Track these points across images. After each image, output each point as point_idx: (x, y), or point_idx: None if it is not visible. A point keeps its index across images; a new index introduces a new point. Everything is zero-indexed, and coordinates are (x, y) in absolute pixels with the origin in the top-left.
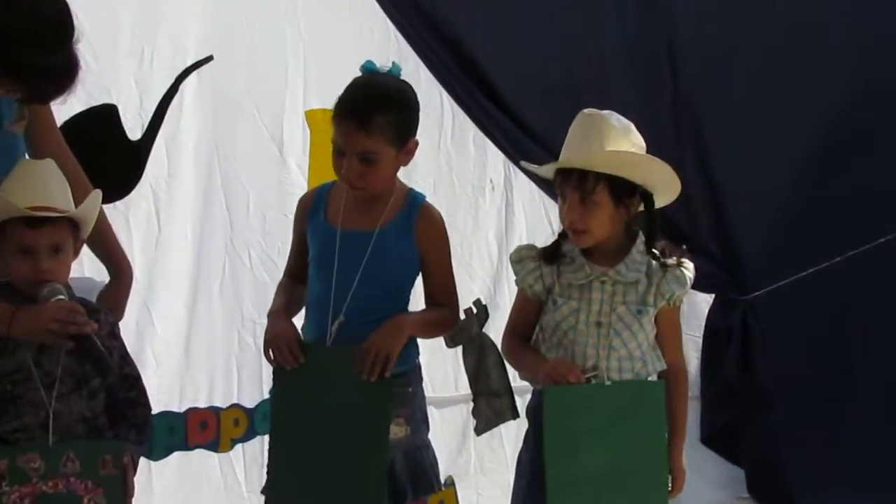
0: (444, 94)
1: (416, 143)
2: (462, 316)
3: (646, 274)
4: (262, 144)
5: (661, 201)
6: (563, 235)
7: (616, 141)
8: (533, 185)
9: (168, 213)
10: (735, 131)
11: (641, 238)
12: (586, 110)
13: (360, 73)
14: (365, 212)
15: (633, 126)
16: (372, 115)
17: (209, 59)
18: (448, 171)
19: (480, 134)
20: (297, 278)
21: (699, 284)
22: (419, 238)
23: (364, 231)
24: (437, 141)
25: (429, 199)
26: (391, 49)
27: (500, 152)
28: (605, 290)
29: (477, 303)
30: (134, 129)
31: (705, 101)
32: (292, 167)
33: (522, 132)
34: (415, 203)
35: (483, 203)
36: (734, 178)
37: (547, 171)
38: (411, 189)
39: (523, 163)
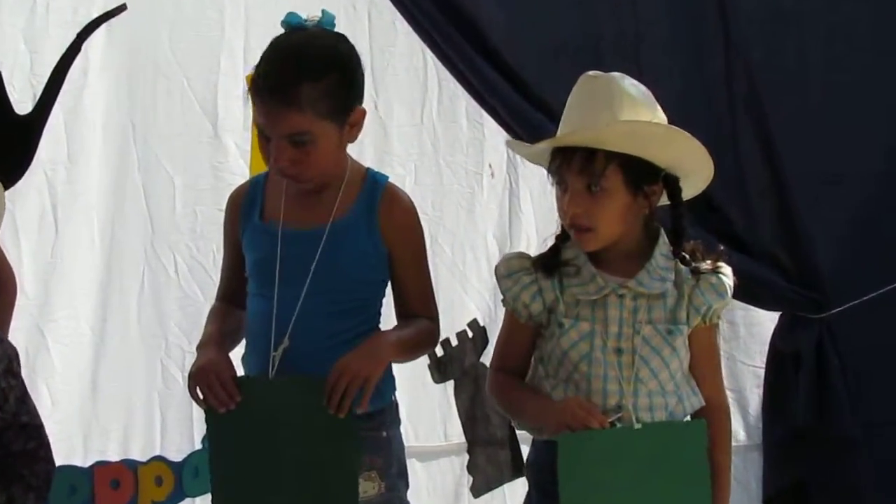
0: (428, 52)
1: (363, 112)
2: (454, 341)
3: (674, 283)
4: (192, 119)
5: (689, 189)
6: (563, 237)
7: (631, 110)
8: (544, 170)
9: (68, 209)
10: (807, 106)
11: (664, 237)
12: (590, 72)
13: (285, 31)
14: (311, 204)
15: (650, 94)
16: (297, 84)
17: (121, 8)
18: (434, 154)
19: (475, 105)
20: (234, 300)
21: (761, 300)
22: (384, 230)
23: (311, 229)
24: (419, 114)
25: (409, 189)
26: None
27: (500, 129)
28: (625, 307)
29: (473, 324)
30: (22, 101)
31: (766, 67)
32: (230, 148)
33: (528, 103)
34: (375, 186)
35: (480, 194)
36: (805, 165)
37: (540, 151)
38: (369, 169)
39: (509, 140)
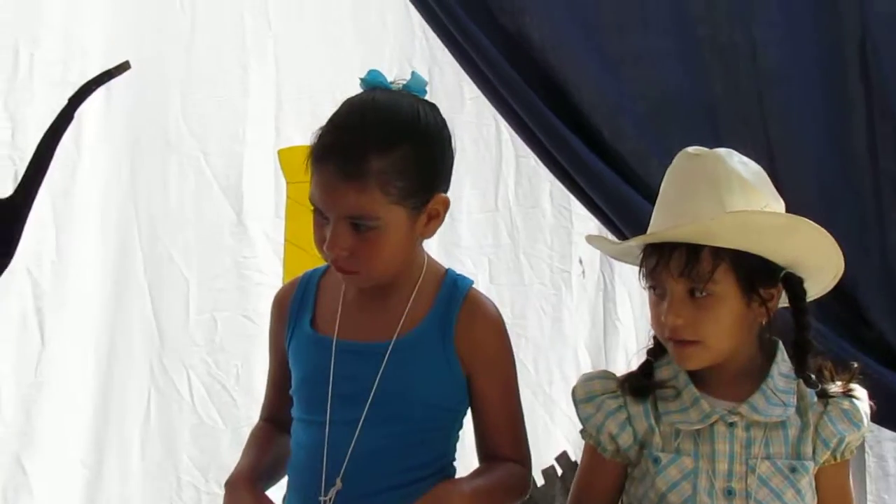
0: (503, 123)
1: (446, 202)
2: (539, 480)
3: (797, 409)
4: (210, 204)
5: (815, 288)
6: (657, 351)
7: (742, 196)
8: None
9: (56, 316)
10: None
11: (783, 352)
12: (690, 149)
13: (360, 90)
14: (375, 311)
15: (764, 175)
16: (365, 156)
17: (124, 67)
18: (511, 247)
19: (561, 187)
20: (281, 423)
21: None
22: (462, 348)
23: (373, 342)
24: (492, 198)
25: (479, 288)
26: (416, 51)
27: (591, 216)
28: (736, 438)
29: (562, 459)
30: (1, 181)
31: None
32: (258, 240)
33: (627, 182)
34: (455, 292)
35: (568, 296)
36: None
37: (629, 249)
38: (449, 270)
39: (589, 236)
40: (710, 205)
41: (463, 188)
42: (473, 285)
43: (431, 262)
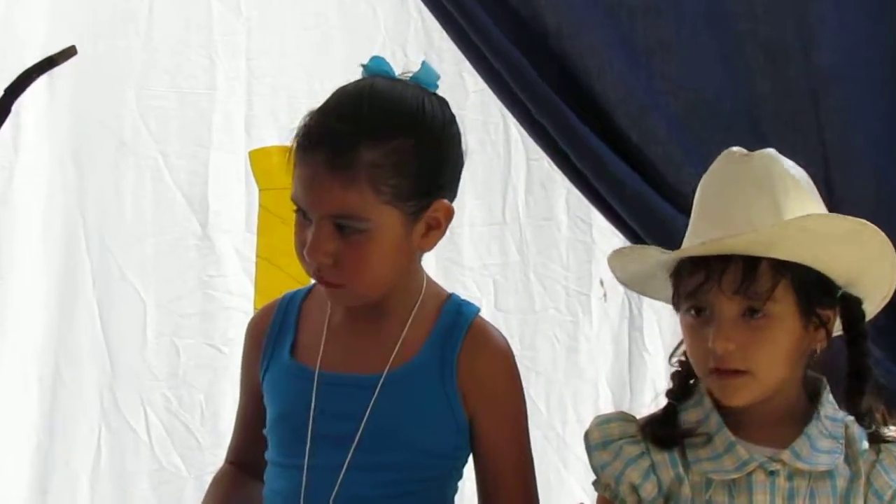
0: (512, 120)
1: (450, 212)
2: None
3: (846, 458)
4: (171, 215)
5: (869, 309)
6: (678, 393)
7: (798, 201)
8: None
9: None
10: None
11: (829, 391)
12: (735, 149)
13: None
14: (364, 338)
15: (810, 180)
16: (356, 145)
17: (69, 52)
18: (521, 264)
19: (579, 195)
20: (249, 467)
21: None
22: (466, 385)
23: (361, 374)
24: (499, 209)
25: (487, 314)
26: (411, 36)
27: (614, 230)
28: (778, 489)
29: None
30: None
31: None
32: (226, 256)
33: (660, 195)
34: (459, 320)
35: (587, 323)
36: None
37: (658, 267)
38: (452, 295)
39: (613, 253)
40: (766, 211)
41: (465, 196)
42: (480, 313)
43: (432, 283)
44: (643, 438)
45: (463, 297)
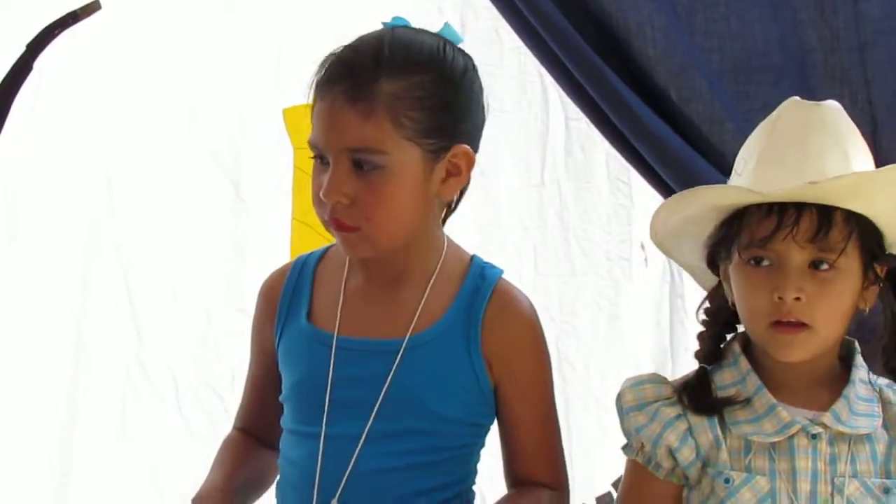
0: (549, 78)
1: (471, 158)
2: None
3: (884, 423)
4: (202, 175)
5: None
6: (709, 355)
7: (864, 155)
8: None
9: (11, 296)
10: None
11: (860, 355)
12: (797, 98)
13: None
14: (384, 301)
15: None
16: (377, 77)
17: (93, 7)
18: (560, 229)
19: (619, 157)
20: (259, 433)
21: None
22: (491, 351)
23: (382, 339)
24: (537, 170)
25: (528, 282)
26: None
27: (655, 192)
28: (820, 453)
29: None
30: None
31: None
32: (261, 219)
33: (701, 155)
34: (482, 283)
35: (628, 288)
36: None
37: (727, 207)
38: (475, 257)
39: (664, 204)
40: (838, 161)
41: (502, 158)
42: (504, 275)
43: (453, 245)
44: (678, 400)
45: (503, 260)
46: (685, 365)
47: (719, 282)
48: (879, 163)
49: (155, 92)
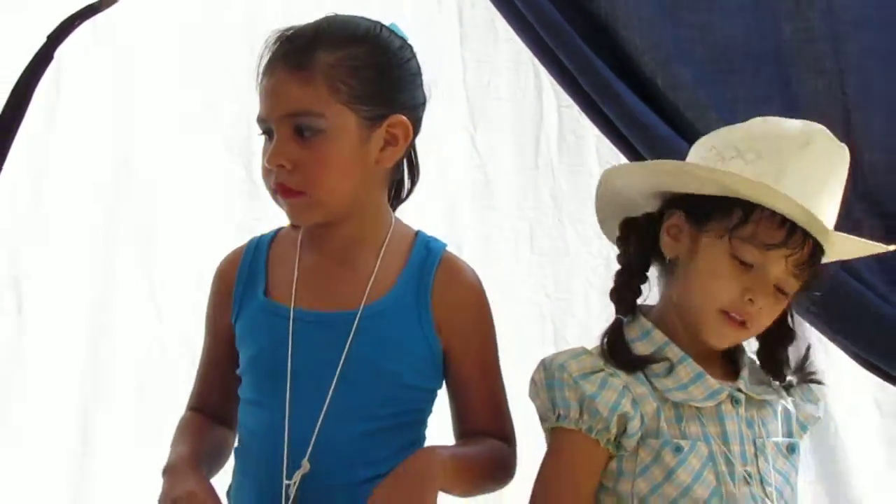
0: (543, 72)
1: (408, 129)
2: None
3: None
4: (215, 160)
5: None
6: (630, 306)
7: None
8: None
9: (36, 300)
10: None
11: None
12: (828, 133)
13: None
14: (337, 275)
15: None
16: (314, 49)
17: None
18: (554, 210)
19: (608, 142)
20: (214, 412)
21: None
22: (441, 317)
23: (337, 311)
24: (531, 155)
25: (525, 260)
26: None
27: None
28: (741, 417)
29: None
30: None
31: None
32: (270, 199)
33: (686, 141)
34: (428, 255)
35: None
36: None
37: (755, 193)
38: (419, 232)
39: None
40: (835, 206)
41: (499, 143)
42: (446, 248)
43: (399, 222)
44: (616, 372)
45: (500, 240)
46: None
47: (641, 224)
48: (852, 146)
49: (168, 78)
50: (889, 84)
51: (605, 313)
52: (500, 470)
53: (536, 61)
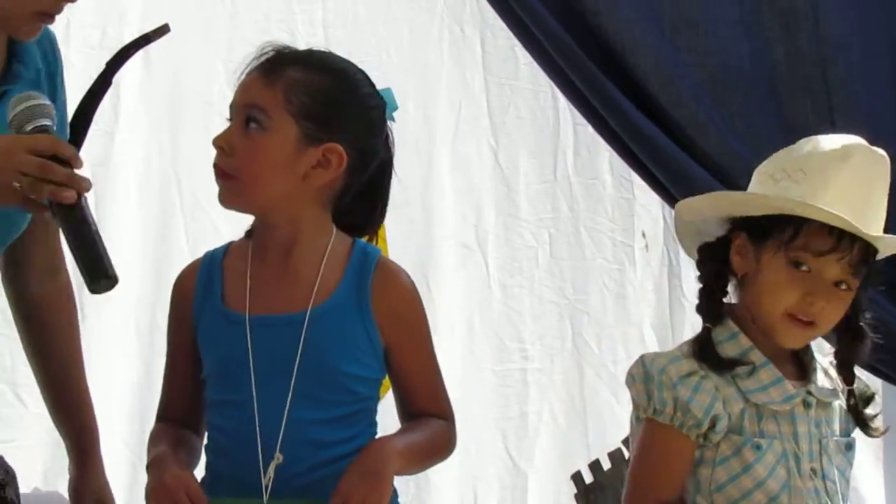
0: (559, 93)
1: (342, 157)
2: (605, 463)
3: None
4: None
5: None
6: (713, 314)
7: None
8: None
9: (95, 309)
10: None
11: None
12: (865, 144)
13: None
14: (284, 281)
15: None
16: (286, 64)
17: (163, 29)
18: (572, 219)
19: (620, 159)
20: (183, 420)
21: None
22: (381, 315)
23: (287, 313)
24: (550, 169)
25: (544, 265)
26: (467, 14)
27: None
28: (811, 419)
29: (630, 441)
30: None
31: None
32: None
33: (689, 154)
34: (365, 260)
35: (632, 271)
36: None
37: (793, 208)
38: (356, 240)
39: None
40: (880, 209)
41: (520, 158)
42: (381, 254)
43: (339, 233)
44: (708, 374)
45: (522, 246)
46: (684, 337)
47: (714, 247)
48: None
49: (218, 100)
50: (871, 100)
51: (619, 313)
52: (443, 446)
53: (553, 84)
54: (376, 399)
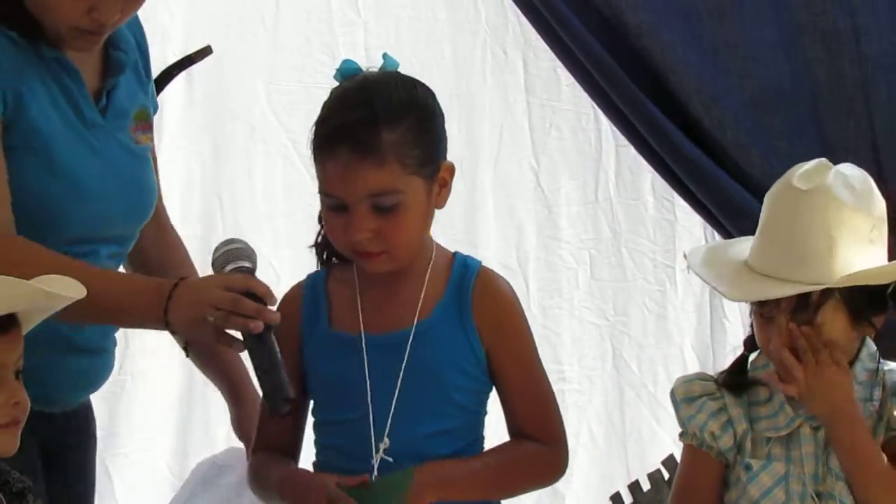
0: (601, 114)
1: (452, 169)
2: (645, 484)
3: (881, 404)
4: (300, 195)
5: None
6: (749, 345)
7: (851, 228)
8: None
9: None
10: None
11: (870, 343)
12: (795, 179)
13: (339, 83)
14: (392, 299)
15: (868, 184)
16: (378, 131)
17: (205, 51)
18: (613, 240)
19: (662, 181)
20: (279, 450)
21: None
22: (482, 324)
23: (397, 331)
24: (592, 190)
25: (585, 285)
26: (510, 36)
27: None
28: (818, 440)
29: (669, 462)
30: None
31: None
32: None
33: (730, 175)
34: (466, 272)
35: (673, 292)
36: None
37: (727, 278)
38: (456, 253)
39: (692, 250)
40: (822, 243)
41: (561, 178)
42: (483, 263)
43: (438, 245)
44: (721, 395)
45: (563, 268)
46: (725, 359)
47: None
48: (881, 181)
49: (260, 123)
50: None
51: (661, 335)
52: (528, 472)
53: (595, 105)
54: (482, 414)
